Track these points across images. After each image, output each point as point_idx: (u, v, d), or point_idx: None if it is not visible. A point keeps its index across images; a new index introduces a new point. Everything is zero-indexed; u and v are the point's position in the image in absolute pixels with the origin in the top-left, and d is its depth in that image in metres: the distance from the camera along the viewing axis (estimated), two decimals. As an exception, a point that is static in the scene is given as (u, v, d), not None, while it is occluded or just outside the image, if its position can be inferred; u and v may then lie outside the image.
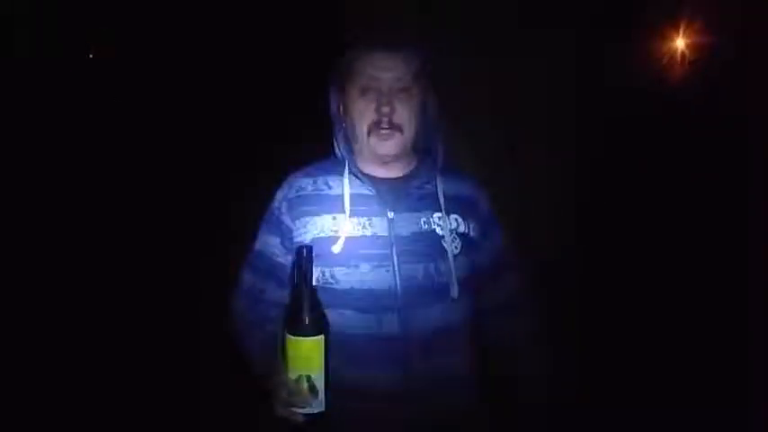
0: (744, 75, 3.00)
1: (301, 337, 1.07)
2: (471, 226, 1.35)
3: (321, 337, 1.08)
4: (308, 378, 1.08)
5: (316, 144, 1.53)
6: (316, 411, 1.09)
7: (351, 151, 1.36)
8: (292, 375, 1.08)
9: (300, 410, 1.09)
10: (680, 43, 3.20)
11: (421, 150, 1.38)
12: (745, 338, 2.54)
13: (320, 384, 1.08)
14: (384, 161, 1.33)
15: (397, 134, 1.28)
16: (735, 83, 3.05)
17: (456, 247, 1.30)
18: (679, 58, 3.26)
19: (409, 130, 1.30)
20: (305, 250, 1.10)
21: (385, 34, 1.35)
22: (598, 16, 2.75)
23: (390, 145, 1.29)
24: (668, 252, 3.11)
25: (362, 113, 1.28)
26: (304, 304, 1.09)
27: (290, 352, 1.08)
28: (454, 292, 1.27)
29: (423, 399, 1.25)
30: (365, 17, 2.06)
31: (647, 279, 3.00)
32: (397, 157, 1.33)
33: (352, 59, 1.30)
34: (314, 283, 1.14)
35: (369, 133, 1.28)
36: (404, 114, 1.28)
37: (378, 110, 1.27)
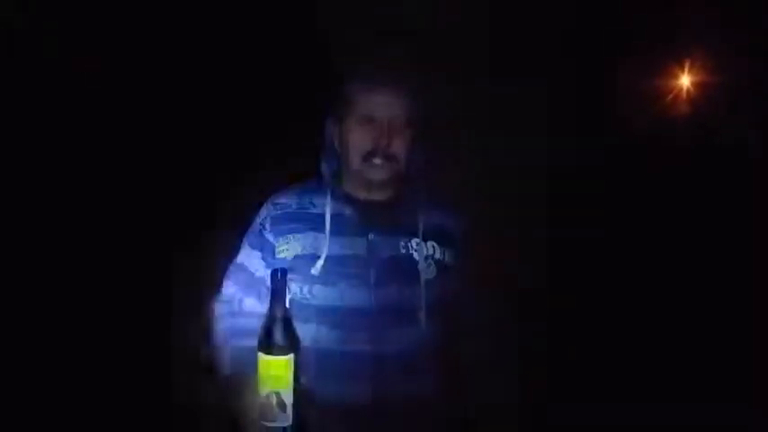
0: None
1: (272, 356, 1.13)
2: (447, 253, 1.40)
3: (291, 356, 1.14)
4: (277, 394, 1.14)
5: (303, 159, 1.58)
6: (283, 425, 1.14)
7: (338, 174, 1.42)
8: (263, 391, 1.14)
9: (269, 424, 1.15)
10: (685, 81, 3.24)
11: (406, 177, 1.44)
12: (746, 337, 2.55)
13: (288, 401, 1.14)
14: (373, 186, 1.39)
15: (391, 163, 1.35)
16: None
17: (431, 273, 1.36)
18: (685, 95, 3.30)
19: (401, 161, 1.37)
20: (279, 272, 1.17)
21: (389, 70, 1.43)
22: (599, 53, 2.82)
23: (382, 172, 1.35)
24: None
25: (359, 143, 1.35)
26: (276, 325, 1.15)
27: (261, 370, 1.14)
28: (422, 315, 1.33)
29: (391, 417, 1.30)
30: (364, 53, 2.16)
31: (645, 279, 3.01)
32: (385, 184, 1.39)
33: (353, 90, 1.38)
34: (290, 299, 1.20)
35: (363, 161, 1.35)
36: (399, 146, 1.35)
37: (375, 140, 1.34)
